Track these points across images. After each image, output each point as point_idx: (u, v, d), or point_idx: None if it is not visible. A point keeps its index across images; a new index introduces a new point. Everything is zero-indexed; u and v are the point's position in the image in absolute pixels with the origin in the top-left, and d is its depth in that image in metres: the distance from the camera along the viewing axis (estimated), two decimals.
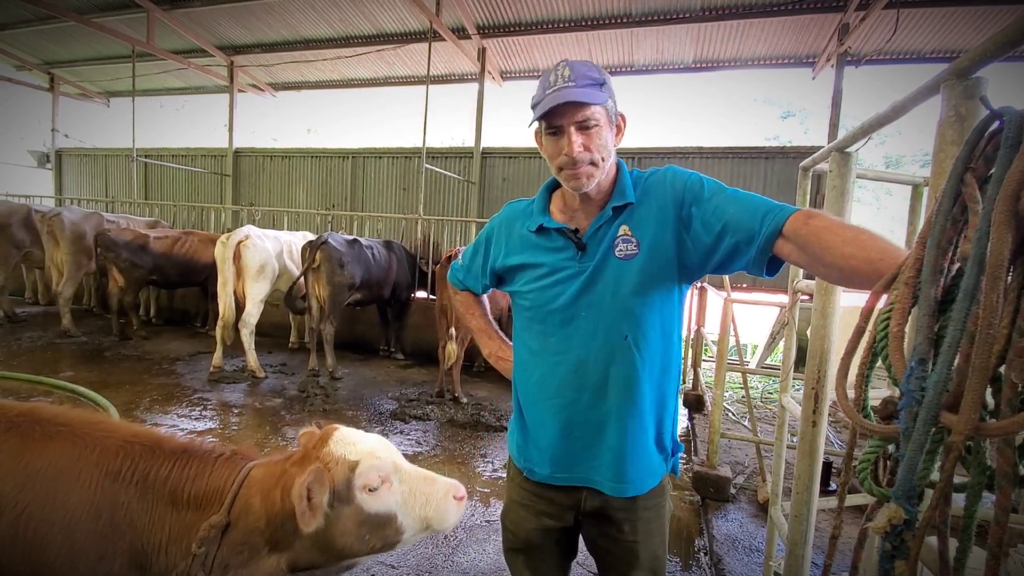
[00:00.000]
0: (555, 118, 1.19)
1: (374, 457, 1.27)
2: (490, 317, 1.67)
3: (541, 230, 1.34)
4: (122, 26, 8.87)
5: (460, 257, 1.62)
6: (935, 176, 0.98)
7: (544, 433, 1.35)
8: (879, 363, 0.67)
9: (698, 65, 8.74)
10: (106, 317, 7.34)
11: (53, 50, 10.89)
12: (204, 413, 4.58)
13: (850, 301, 1.70)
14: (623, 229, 1.26)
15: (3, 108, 17.21)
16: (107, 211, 9.13)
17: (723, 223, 1.14)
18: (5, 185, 11.84)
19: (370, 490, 1.24)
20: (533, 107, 1.24)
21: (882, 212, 19.00)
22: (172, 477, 1.27)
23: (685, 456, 4.18)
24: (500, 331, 1.65)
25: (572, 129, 1.19)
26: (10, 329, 7.09)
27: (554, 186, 1.40)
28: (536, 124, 1.26)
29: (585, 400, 1.29)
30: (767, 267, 1.12)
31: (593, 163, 1.21)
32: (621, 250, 1.25)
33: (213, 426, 4.31)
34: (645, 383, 1.28)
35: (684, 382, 5.75)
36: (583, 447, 1.31)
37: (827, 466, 3.38)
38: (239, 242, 5.60)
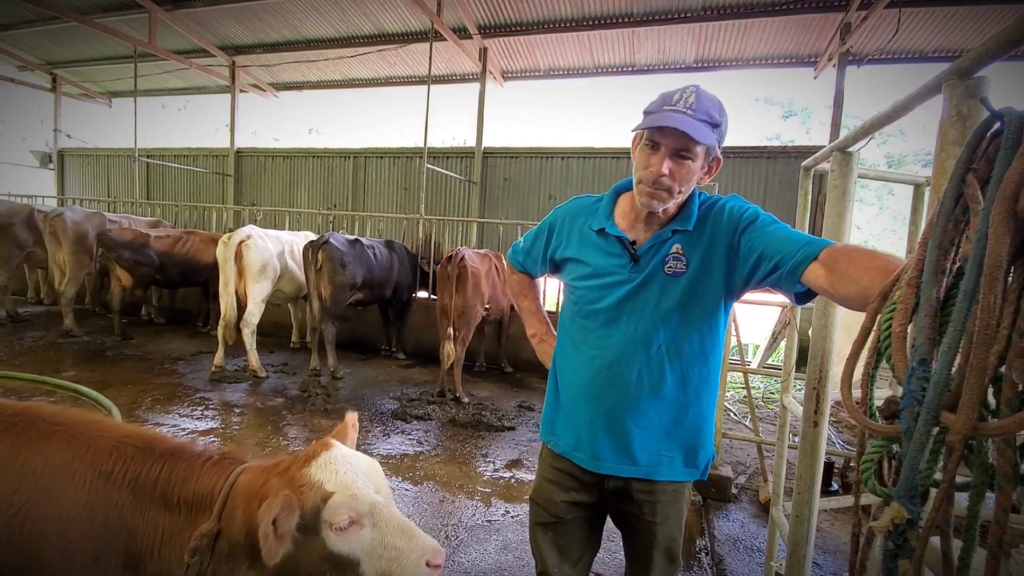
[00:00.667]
0: (658, 135, 1.26)
1: (350, 494, 1.18)
2: (540, 302, 1.80)
3: (602, 232, 1.42)
4: (124, 26, 8.88)
5: (522, 239, 1.71)
6: (937, 176, 0.98)
7: (574, 413, 1.47)
8: (884, 363, 0.68)
9: (699, 65, 8.71)
10: (108, 317, 7.35)
11: (55, 50, 10.90)
12: (206, 413, 4.58)
13: None
14: (676, 247, 1.35)
15: (5, 108, 17.23)
16: (109, 211, 9.14)
17: (766, 245, 1.23)
18: (7, 185, 11.85)
19: (338, 529, 1.17)
20: (645, 113, 1.29)
21: (884, 212, 18.92)
22: (162, 479, 1.25)
23: None
24: (548, 318, 1.78)
25: (667, 153, 1.25)
26: (13, 329, 7.10)
27: (623, 189, 1.47)
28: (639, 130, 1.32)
29: (613, 396, 1.39)
30: (797, 296, 1.19)
31: (670, 191, 1.28)
32: (671, 267, 1.34)
33: (215, 426, 4.32)
34: (671, 390, 1.37)
35: None
36: (604, 434, 1.41)
37: (828, 466, 3.38)
38: (241, 242, 5.60)
